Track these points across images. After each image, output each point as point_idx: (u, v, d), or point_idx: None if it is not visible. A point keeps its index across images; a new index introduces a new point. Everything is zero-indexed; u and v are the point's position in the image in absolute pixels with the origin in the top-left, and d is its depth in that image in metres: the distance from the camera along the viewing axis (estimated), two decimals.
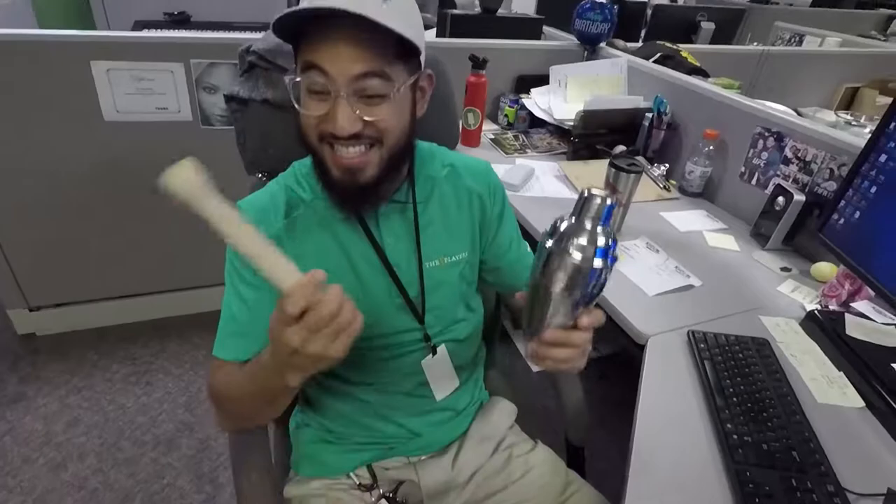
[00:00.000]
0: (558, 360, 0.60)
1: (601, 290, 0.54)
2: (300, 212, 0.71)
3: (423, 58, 0.67)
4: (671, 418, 0.77)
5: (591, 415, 0.98)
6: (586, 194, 0.51)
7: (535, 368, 0.62)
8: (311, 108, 0.62)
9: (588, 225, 0.51)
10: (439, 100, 0.83)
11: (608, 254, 0.51)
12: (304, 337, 0.49)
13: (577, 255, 0.51)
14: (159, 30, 2.38)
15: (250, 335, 0.69)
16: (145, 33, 1.60)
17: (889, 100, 2.39)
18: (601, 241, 0.51)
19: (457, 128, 1.07)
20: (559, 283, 0.53)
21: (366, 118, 0.61)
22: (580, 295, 0.54)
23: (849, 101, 2.49)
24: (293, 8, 0.56)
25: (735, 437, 0.71)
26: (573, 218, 0.52)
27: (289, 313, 0.48)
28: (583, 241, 0.51)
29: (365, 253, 0.73)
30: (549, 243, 0.53)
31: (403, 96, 0.64)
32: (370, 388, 0.81)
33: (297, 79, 0.61)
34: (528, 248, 0.91)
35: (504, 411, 0.95)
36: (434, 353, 0.81)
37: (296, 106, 0.63)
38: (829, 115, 2.30)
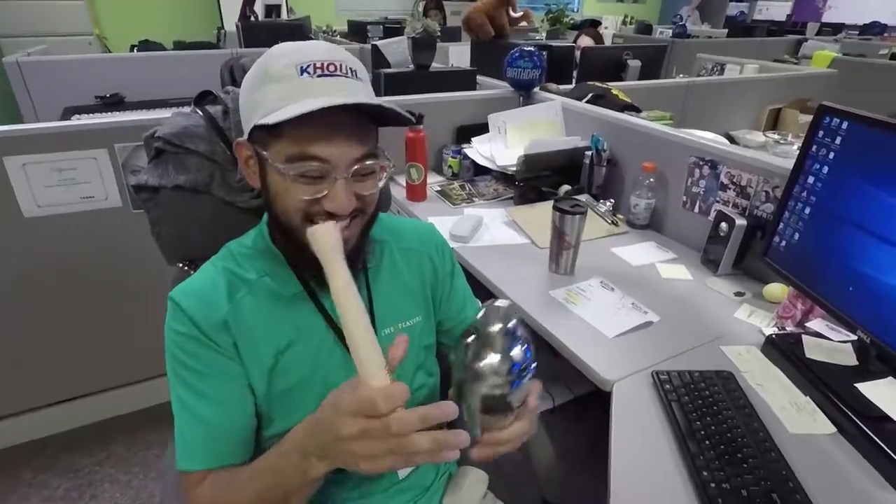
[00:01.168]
0: (505, 450, 0.61)
1: (522, 381, 0.55)
2: (244, 293, 0.68)
3: None
4: (646, 470, 0.73)
5: (573, 461, 0.92)
6: (485, 308, 0.54)
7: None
8: (303, 192, 0.60)
9: (494, 339, 0.53)
10: None
11: (518, 369, 0.54)
12: (358, 432, 0.49)
13: (481, 372, 0.53)
14: (90, 114, 2.33)
15: (233, 434, 0.66)
16: (62, 122, 1.54)
17: (809, 117, 2.55)
18: (506, 360, 0.53)
19: (389, 189, 1.05)
20: (472, 398, 0.55)
21: (361, 193, 0.62)
22: (495, 402, 0.55)
23: (774, 121, 2.63)
24: (300, 110, 0.54)
25: (713, 485, 0.68)
26: (479, 332, 0.54)
27: (375, 408, 0.48)
28: (487, 359, 0.53)
29: (318, 327, 0.70)
30: (456, 357, 0.55)
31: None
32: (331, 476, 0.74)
33: (280, 166, 0.58)
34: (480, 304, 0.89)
35: (475, 481, 0.88)
36: None
37: (266, 188, 0.63)
38: (759, 136, 2.42)
